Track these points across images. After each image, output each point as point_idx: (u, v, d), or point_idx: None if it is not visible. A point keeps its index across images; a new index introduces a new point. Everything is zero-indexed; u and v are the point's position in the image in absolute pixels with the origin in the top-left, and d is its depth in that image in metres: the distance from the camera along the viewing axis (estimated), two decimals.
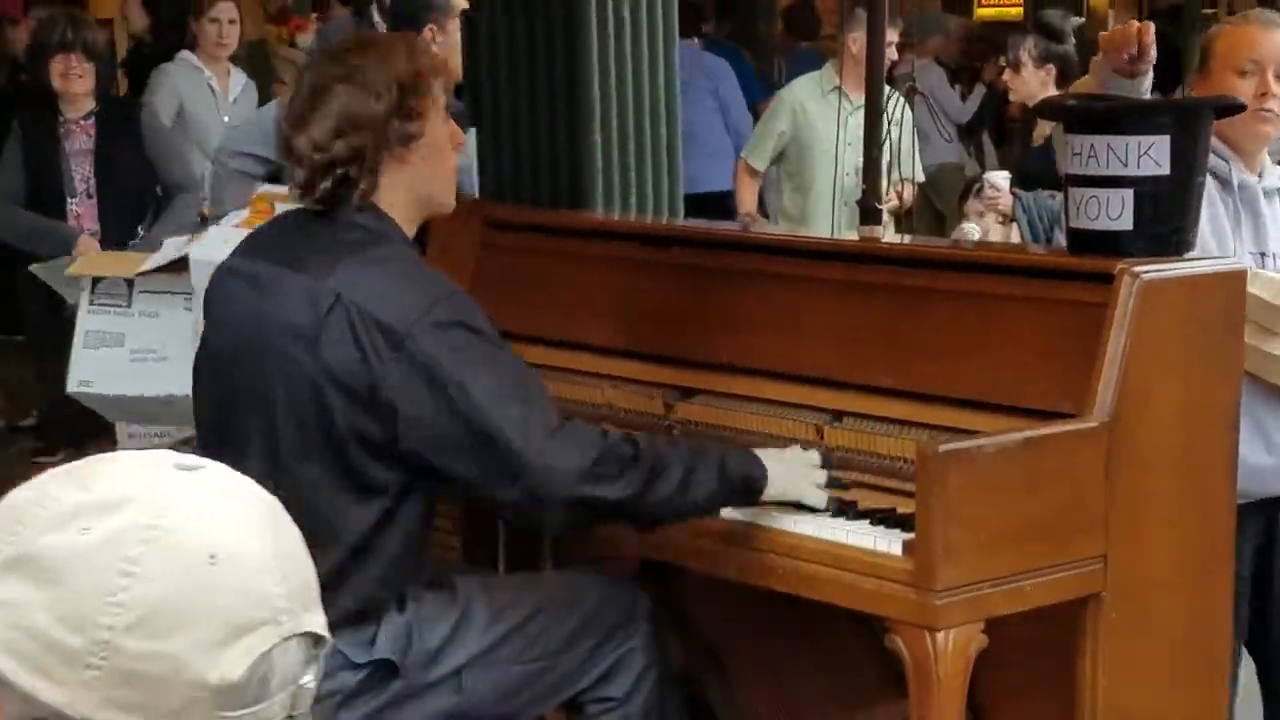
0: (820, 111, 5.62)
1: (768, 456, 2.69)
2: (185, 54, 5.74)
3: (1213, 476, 2.74)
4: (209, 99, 5.67)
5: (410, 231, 2.75)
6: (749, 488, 2.63)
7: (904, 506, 2.63)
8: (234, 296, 2.71)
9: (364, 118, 2.61)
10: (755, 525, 2.67)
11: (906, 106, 4.65)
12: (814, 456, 2.74)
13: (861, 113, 3.93)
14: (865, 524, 2.60)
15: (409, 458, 2.55)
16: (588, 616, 2.81)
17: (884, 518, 2.62)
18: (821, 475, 2.71)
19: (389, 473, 2.58)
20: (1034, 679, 2.76)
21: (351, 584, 2.58)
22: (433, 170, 2.73)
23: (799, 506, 2.65)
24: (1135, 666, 2.63)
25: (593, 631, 2.81)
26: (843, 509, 2.67)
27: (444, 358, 2.51)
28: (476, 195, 3.73)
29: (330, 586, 2.52)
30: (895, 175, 5.77)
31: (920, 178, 5.97)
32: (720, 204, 6.59)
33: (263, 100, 5.74)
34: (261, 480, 2.50)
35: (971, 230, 5.11)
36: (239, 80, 5.82)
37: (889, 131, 3.30)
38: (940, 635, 2.38)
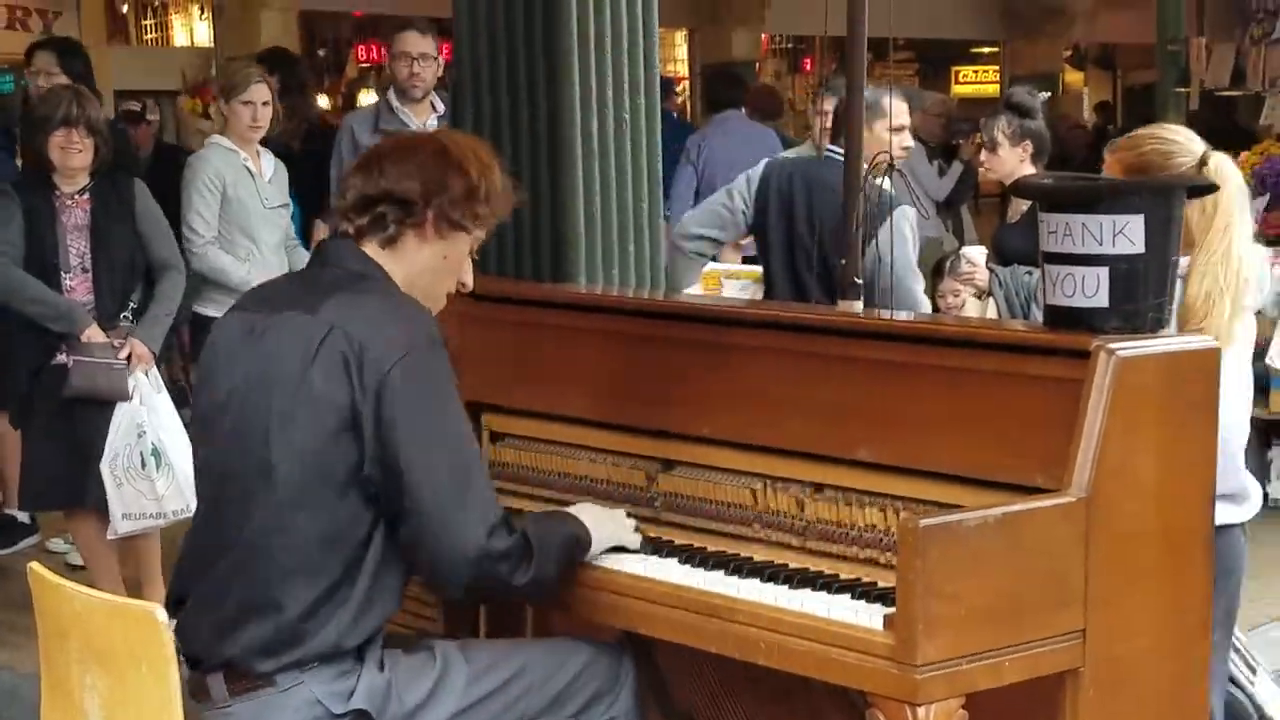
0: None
1: (578, 511, 2.88)
2: (217, 137, 5.69)
3: (1190, 548, 2.74)
4: (248, 180, 5.67)
5: None
6: (578, 547, 2.80)
7: (885, 580, 2.64)
8: (232, 342, 2.76)
9: (429, 183, 2.73)
10: (736, 599, 2.67)
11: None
12: (617, 512, 2.97)
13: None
14: (846, 598, 2.61)
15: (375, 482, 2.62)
16: (572, 680, 2.83)
17: (864, 592, 2.62)
18: (631, 522, 2.94)
19: (369, 509, 2.63)
20: None
21: (327, 627, 2.61)
22: (436, 275, 2.81)
23: (622, 550, 2.88)
24: None
25: (576, 696, 2.83)
26: (826, 582, 2.68)
27: (407, 417, 2.59)
28: None
29: (306, 625, 2.55)
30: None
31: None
32: None
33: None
34: (258, 513, 2.55)
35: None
36: (269, 161, 5.79)
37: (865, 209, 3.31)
38: (921, 710, 2.38)
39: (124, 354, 5.04)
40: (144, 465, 5.03)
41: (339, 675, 2.63)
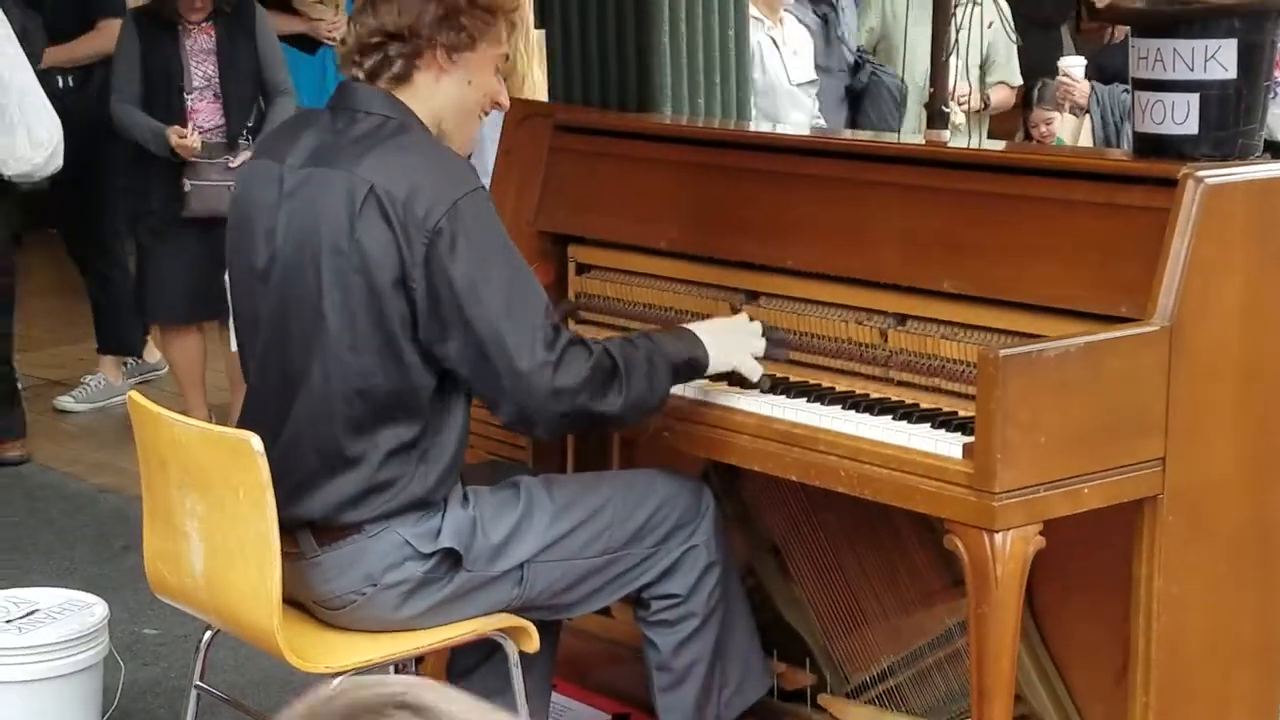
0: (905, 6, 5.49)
1: (705, 331, 2.80)
2: None
3: (1274, 379, 2.72)
4: None
5: None
6: (694, 369, 2.75)
7: (965, 410, 2.64)
8: (263, 204, 2.69)
9: (425, 9, 2.64)
10: (818, 428, 2.69)
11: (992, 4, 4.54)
12: (755, 326, 2.86)
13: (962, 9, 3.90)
14: (926, 427, 2.61)
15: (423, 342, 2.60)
16: (653, 513, 2.85)
17: (945, 421, 2.63)
18: (760, 344, 2.83)
19: (431, 362, 2.61)
20: (1091, 580, 2.77)
21: (409, 479, 2.64)
22: (462, 103, 2.73)
23: (740, 382, 2.82)
24: (1192, 569, 2.63)
25: (657, 528, 2.85)
26: (906, 412, 2.68)
27: (460, 263, 2.55)
28: (491, 171, 3.71)
29: (390, 479, 2.59)
30: (987, 78, 5.64)
31: (1017, 81, 5.83)
32: None
33: None
34: (316, 368, 2.57)
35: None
36: None
37: (957, 35, 3.23)
38: (999, 536, 2.40)
39: (239, 161, 5.22)
40: None
41: (425, 516, 2.66)
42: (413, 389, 2.62)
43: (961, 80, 4.57)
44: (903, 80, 5.70)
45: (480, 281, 2.55)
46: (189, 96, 5.34)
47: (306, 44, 5.95)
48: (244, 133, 5.42)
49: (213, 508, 2.61)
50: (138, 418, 2.76)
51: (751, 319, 2.93)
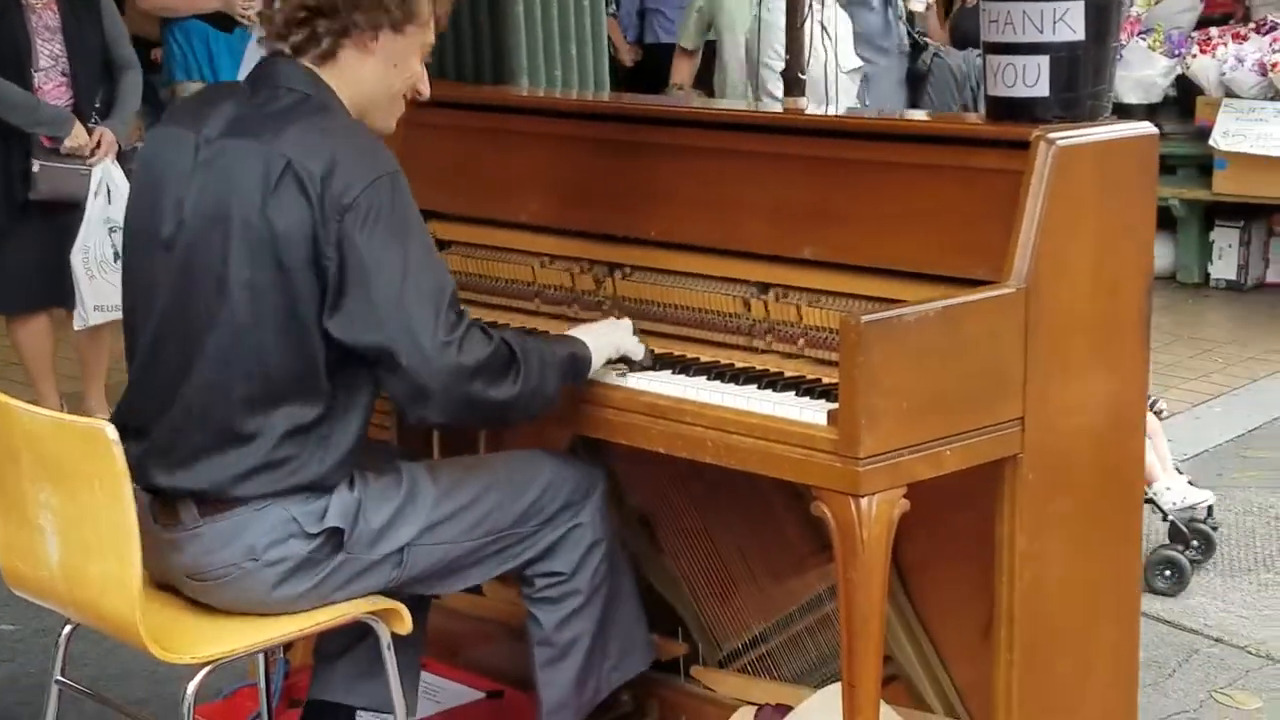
0: None
1: (579, 330, 2.81)
2: None
3: (1127, 336, 2.77)
4: None
5: None
6: (578, 365, 2.74)
7: (829, 377, 2.65)
8: (175, 171, 2.64)
9: None
10: (683, 399, 2.68)
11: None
12: (623, 321, 2.89)
13: None
14: (791, 395, 2.62)
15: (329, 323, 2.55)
16: (540, 495, 2.83)
17: (809, 389, 2.63)
18: (628, 323, 2.86)
19: (335, 345, 2.57)
20: (956, 540, 2.80)
21: (305, 459, 2.60)
22: (387, 85, 2.71)
23: (626, 361, 2.82)
24: (1052, 525, 2.67)
25: (544, 509, 2.84)
26: (771, 381, 2.69)
27: (374, 237, 2.51)
28: None
29: (286, 458, 2.55)
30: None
31: (849, 66, 5.85)
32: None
33: None
34: (216, 339, 2.51)
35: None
36: None
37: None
38: (864, 501, 2.41)
39: (94, 141, 5.19)
40: (115, 258, 5.13)
41: (314, 496, 2.62)
42: (314, 371, 2.58)
43: None
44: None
45: (389, 259, 2.51)
46: (37, 75, 5.21)
47: (223, 22, 5.81)
48: (92, 111, 5.30)
49: (67, 500, 2.53)
50: None
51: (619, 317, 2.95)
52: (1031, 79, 2.68)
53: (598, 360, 2.77)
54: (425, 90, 2.80)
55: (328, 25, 2.64)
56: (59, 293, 5.29)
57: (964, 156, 2.70)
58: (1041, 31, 2.66)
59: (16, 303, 5.41)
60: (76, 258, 5.17)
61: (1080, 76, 2.68)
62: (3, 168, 5.25)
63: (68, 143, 5.15)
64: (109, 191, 5.22)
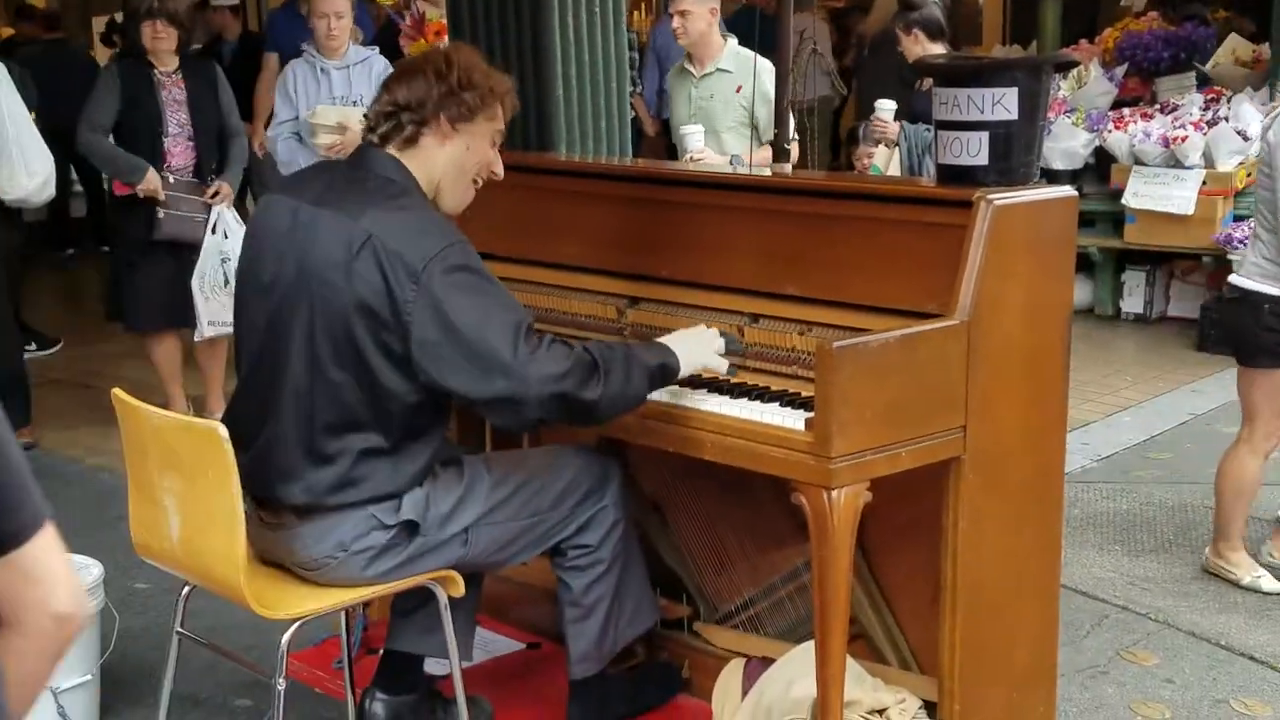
0: (676, 85, 5.23)
1: (673, 340, 2.71)
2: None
3: (1050, 359, 2.75)
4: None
5: None
6: (667, 372, 2.66)
7: (807, 390, 2.63)
8: (278, 230, 2.62)
9: (431, 88, 2.62)
10: (689, 408, 2.67)
11: (764, 78, 4.56)
12: (713, 332, 2.77)
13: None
14: (776, 405, 2.60)
15: (419, 373, 2.51)
16: (571, 480, 2.82)
17: (791, 400, 2.62)
18: (720, 344, 2.74)
19: (408, 384, 2.53)
20: (911, 525, 2.78)
21: (381, 476, 2.57)
22: (458, 168, 2.67)
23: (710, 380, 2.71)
24: (988, 513, 2.65)
25: (574, 493, 2.82)
26: (759, 394, 2.67)
27: (450, 292, 2.46)
28: None
29: (365, 476, 2.52)
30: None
31: (767, 137, 5.63)
32: None
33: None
34: (301, 376, 2.50)
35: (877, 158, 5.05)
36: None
37: (796, 82, 3.22)
38: (834, 493, 2.39)
39: (211, 192, 5.24)
40: (226, 284, 5.18)
41: (387, 500, 2.60)
42: (384, 405, 2.53)
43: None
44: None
45: (465, 302, 2.45)
46: (166, 140, 5.23)
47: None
48: (211, 169, 5.33)
49: (186, 485, 2.53)
50: (121, 411, 2.66)
51: (709, 327, 2.81)
52: (974, 151, 2.66)
53: (685, 371, 2.67)
54: (499, 172, 2.75)
55: (410, 117, 2.62)
56: (182, 314, 5.30)
57: (919, 213, 2.68)
58: (982, 112, 2.64)
59: (149, 321, 5.43)
60: (195, 283, 5.20)
61: (1014, 149, 2.66)
62: (136, 216, 5.26)
63: (141, 188, 5.14)
64: (224, 231, 5.23)
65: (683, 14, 4.74)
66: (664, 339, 2.72)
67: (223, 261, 5.17)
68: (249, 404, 2.65)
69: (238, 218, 5.29)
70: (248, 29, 9.09)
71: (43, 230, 6.37)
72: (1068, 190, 2.78)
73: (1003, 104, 2.63)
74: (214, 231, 5.22)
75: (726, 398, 2.67)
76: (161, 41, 5.15)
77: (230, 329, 5.08)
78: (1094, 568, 4.13)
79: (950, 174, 2.72)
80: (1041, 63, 2.74)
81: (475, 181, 2.72)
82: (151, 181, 5.14)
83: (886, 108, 5.00)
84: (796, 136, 3.94)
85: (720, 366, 2.73)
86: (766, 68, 4.52)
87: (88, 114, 5.20)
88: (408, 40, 6.60)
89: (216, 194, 5.26)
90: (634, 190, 3.21)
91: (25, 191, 5.08)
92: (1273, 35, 7.66)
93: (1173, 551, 4.28)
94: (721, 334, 2.77)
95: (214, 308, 5.21)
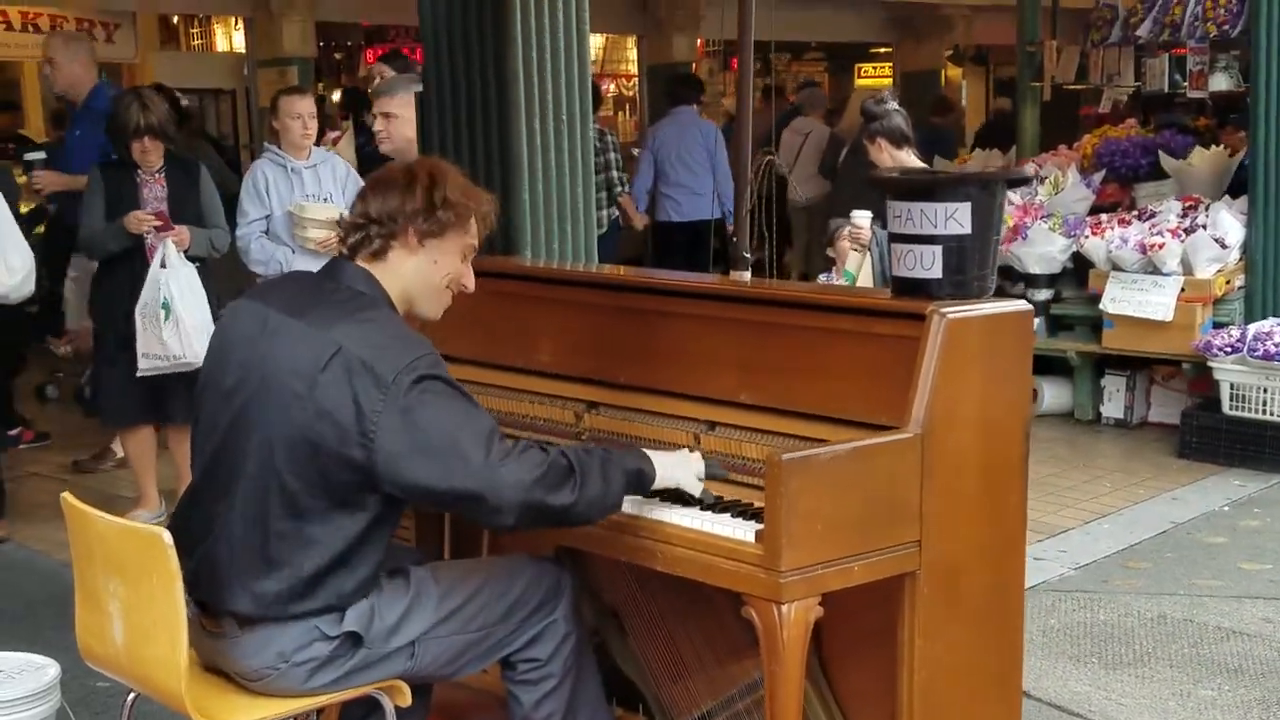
0: None
1: (655, 455, 2.71)
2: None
3: (1008, 471, 2.76)
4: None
5: None
6: (643, 479, 2.65)
7: (760, 500, 2.64)
8: (246, 335, 2.63)
9: (404, 203, 2.65)
10: (641, 517, 2.68)
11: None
12: (696, 455, 2.76)
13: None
14: (727, 516, 2.61)
15: (383, 483, 2.51)
16: (522, 593, 2.80)
17: (743, 511, 2.63)
18: (700, 467, 2.73)
19: (365, 494, 2.54)
20: (868, 637, 2.77)
21: (331, 585, 2.56)
22: (428, 279, 2.69)
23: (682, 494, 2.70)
24: (945, 628, 2.64)
25: (524, 606, 2.80)
26: (711, 503, 2.68)
27: (419, 401, 2.47)
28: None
29: (314, 584, 2.52)
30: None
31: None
32: (701, 230, 8.06)
33: None
34: (255, 482, 2.50)
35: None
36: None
37: (756, 193, 3.29)
38: (785, 607, 2.40)
39: (173, 228, 5.34)
40: (159, 316, 5.25)
41: (332, 610, 2.59)
42: (339, 517, 2.54)
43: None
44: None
45: (435, 412, 2.46)
46: (148, 236, 5.37)
47: None
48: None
49: (130, 590, 2.53)
50: (69, 514, 2.68)
51: (693, 451, 2.80)
52: (928, 264, 2.71)
53: (659, 484, 2.67)
54: (469, 285, 2.76)
55: (379, 230, 2.65)
56: (155, 410, 5.39)
57: (873, 325, 2.72)
58: (936, 226, 2.69)
59: (123, 417, 5.53)
60: (137, 310, 5.25)
61: (967, 263, 2.70)
62: (114, 315, 5.39)
63: (133, 228, 5.29)
64: (162, 259, 5.27)
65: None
66: (649, 452, 2.72)
67: (158, 289, 5.24)
68: (199, 508, 2.64)
69: (183, 258, 5.36)
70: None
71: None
72: (1022, 304, 2.81)
73: (955, 218, 2.67)
74: (163, 265, 5.29)
75: (679, 507, 2.67)
76: (149, 155, 5.43)
77: (161, 362, 5.28)
78: (1069, 680, 4.09)
79: (904, 286, 2.76)
80: (994, 178, 2.80)
81: (449, 288, 2.75)
82: (134, 218, 5.30)
83: (862, 216, 5.08)
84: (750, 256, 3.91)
85: (694, 489, 2.72)
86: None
87: (82, 220, 5.46)
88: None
89: (173, 229, 5.33)
90: (594, 296, 3.25)
91: (4, 288, 5.12)
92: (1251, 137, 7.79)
93: (1151, 665, 4.25)
94: (705, 459, 2.77)
95: (149, 340, 5.24)
